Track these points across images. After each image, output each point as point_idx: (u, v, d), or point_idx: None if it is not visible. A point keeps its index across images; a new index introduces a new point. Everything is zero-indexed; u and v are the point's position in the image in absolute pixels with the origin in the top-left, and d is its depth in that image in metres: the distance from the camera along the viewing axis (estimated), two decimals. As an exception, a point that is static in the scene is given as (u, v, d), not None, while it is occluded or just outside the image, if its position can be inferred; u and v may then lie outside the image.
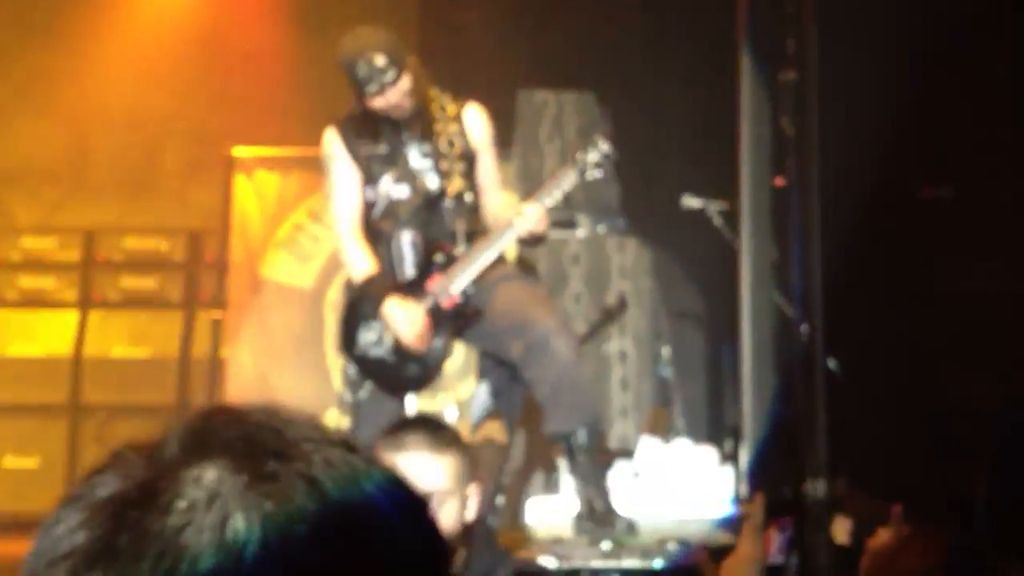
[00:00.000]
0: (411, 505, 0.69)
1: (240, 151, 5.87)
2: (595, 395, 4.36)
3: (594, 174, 3.68)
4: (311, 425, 0.70)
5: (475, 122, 3.80)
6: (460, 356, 5.42)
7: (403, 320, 3.63)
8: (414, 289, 3.68)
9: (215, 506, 0.64)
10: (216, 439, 0.67)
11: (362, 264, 3.72)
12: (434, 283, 3.66)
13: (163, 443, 0.69)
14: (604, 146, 3.63)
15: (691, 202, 4.66)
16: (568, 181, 3.66)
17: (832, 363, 4.17)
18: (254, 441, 0.67)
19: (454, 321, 3.70)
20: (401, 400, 3.85)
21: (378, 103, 3.61)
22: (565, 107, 5.45)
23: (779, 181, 3.87)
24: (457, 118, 3.77)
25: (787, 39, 3.62)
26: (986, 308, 4.36)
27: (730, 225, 4.59)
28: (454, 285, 3.64)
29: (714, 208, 4.64)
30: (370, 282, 3.69)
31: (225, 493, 0.64)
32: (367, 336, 3.72)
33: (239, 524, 0.63)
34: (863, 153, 4.17)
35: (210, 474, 0.65)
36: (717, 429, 5.20)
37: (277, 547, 0.63)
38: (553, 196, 3.66)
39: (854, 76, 3.96)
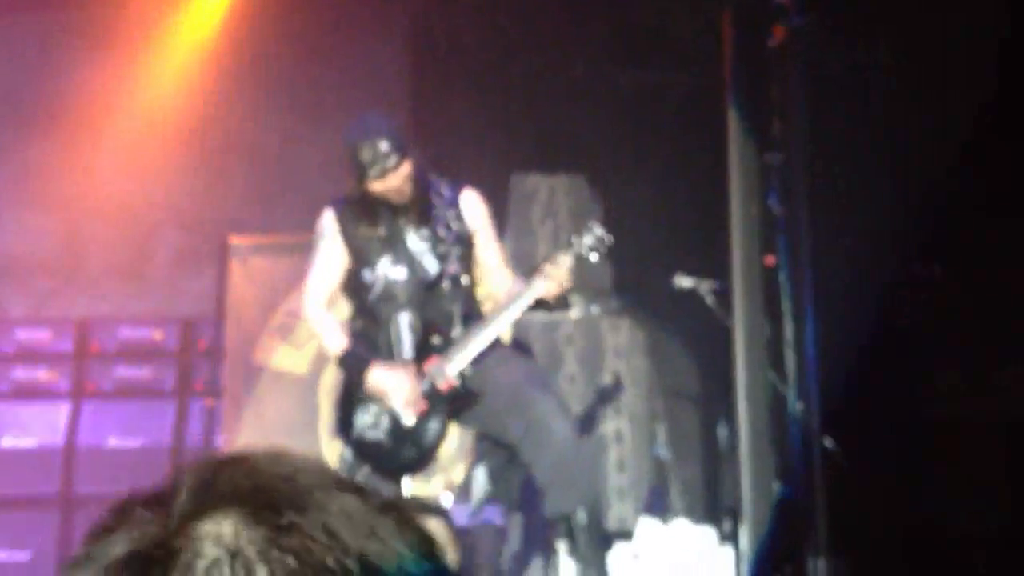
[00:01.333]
0: (427, 554, 0.68)
1: (235, 239, 5.91)
2: (594, 475, 4.35)
3: (588, 257, 3.71)
4: (321, 470, 0.69)
5: (471, 205, 3.85)
6: (454, 440, 5.40)
7: (392, 385, 3.62)
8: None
9: (237, 564, 0.62)
10: (227, 489, 0.66)
11: (336, 339, 3.74)
12: (431, 365, 3.66)
13: (171, 495, 0.67)
14: (598, 230, 3.69)
15: (683, 282, 4.69)
16: (564, 265, 3.69)
17: (828, 442, 4.16)
18: (267, 490, 0.65)
19: (450, 404, 3.70)
20: (397, 484, 3.82)
21: (378, 187, 3.66)
22: (556, 190, 5.52)
23: (769, 260, 3.91)
24: (453, 202, 3.82)
25: (773, 121, 3.70)
26: (982, 388, 4.38)
27: (723, 304, 4.62)
28: (451, 367, 3.65)
29: (706, 287, 4.67)
30: (346, 356, 3.71)
31: (245, 550, 0.63)
32: (363, 419, 3.71)
33: None
34: (854, 230, 4.22)
35: (227, 529, 0.64)
36: (715, 509, 5.16)
37: None
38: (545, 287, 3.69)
39: (842, 155, 4.03)
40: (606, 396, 5.17)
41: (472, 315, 3.78)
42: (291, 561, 0.62)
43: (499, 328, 3.70)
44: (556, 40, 5.74)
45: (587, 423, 5.13)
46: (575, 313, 5.21)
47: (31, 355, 6.22)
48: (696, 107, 5.05)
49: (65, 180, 6.45)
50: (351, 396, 3.75)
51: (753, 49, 3.75)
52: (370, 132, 3.62)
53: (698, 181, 5.04)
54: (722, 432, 5.20)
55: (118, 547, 0.65)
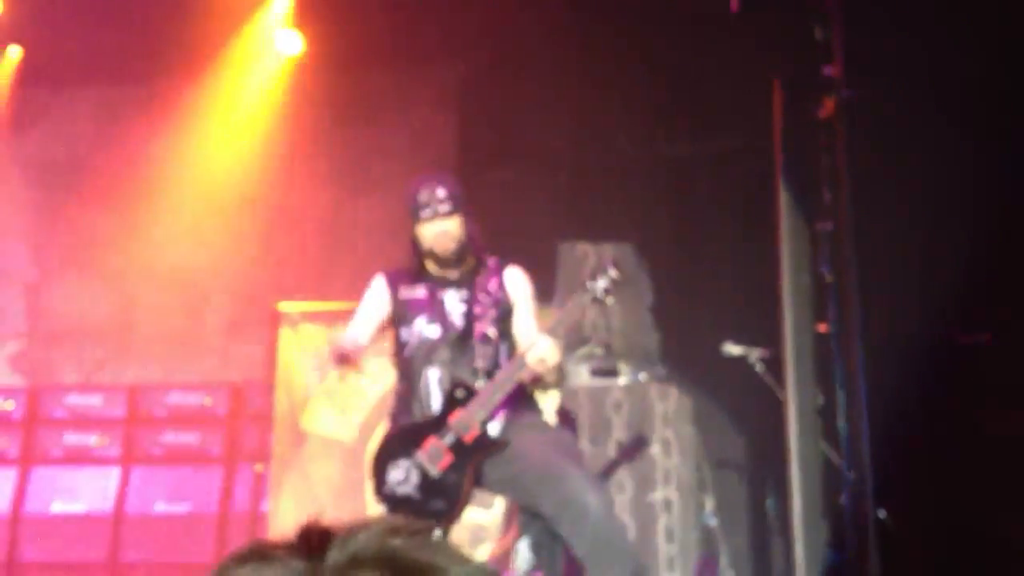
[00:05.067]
0: None
1: (286, 306, 5.99)
2: (634, 545, 4.32)
3: (604, 301, 3.79)
4: (447, 541, 0.75)
5: (514, 279, 3.98)
6: (500, 509, 5.40)
7: (331, 342, 3.82)
8: (438, 425, 3.77)
9: None
10: (373, 552, 0.72)
11: (347, 333, 3.93)
12: (455, 418, 3.74)
13: (319, 548, 0.73)
14: (613, 272, 3.75)
15: (732, 349, 4.70)
16: (578, 308, 3.80)
17: (881, 513, 4.12)
18: (408, 555, 0.72)
19: (476, 454, 3.75)
20: None
21: (426, 231, 3.85)
22: (604, 258, 5.56)
23: (822, 327, 3.91)
24: (497, 273, 3.94)
25: (823, 190, 3.74)
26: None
27: (772, 372, 4.62)
28: (474, 418, 3.71)
29: (755, 355, 4.68)
30: (333, 339, 3.96)
31: None
32: (395, 475, 3.80)
33: None
34: (901, 299, 4.22)
35: None
36: (765, 580, 5.12)
37: None
38: (564, 324, 3.82)
39: (892, 222, 4.05)
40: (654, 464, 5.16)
41: (496, 369, 3.86)
42: None
43: (515, 379, 3.74)
44: (603, 109, 5.83)
45: (636, 492, 5.12)
46: (623, 380, 5.22)
47: (82, 421, 6.31)
48: (743, 175, 5.10)
49: (119, 248, 6.59)
50: (384, 453, 3.85)
51: (802, 120, 3.80)
52: (432, 180, 3.91)
53: (745, 249, 5.07)
54: (771, 502, 5.17)
55: None
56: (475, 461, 3.75)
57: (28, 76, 6.64)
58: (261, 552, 0.74)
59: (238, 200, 6.47)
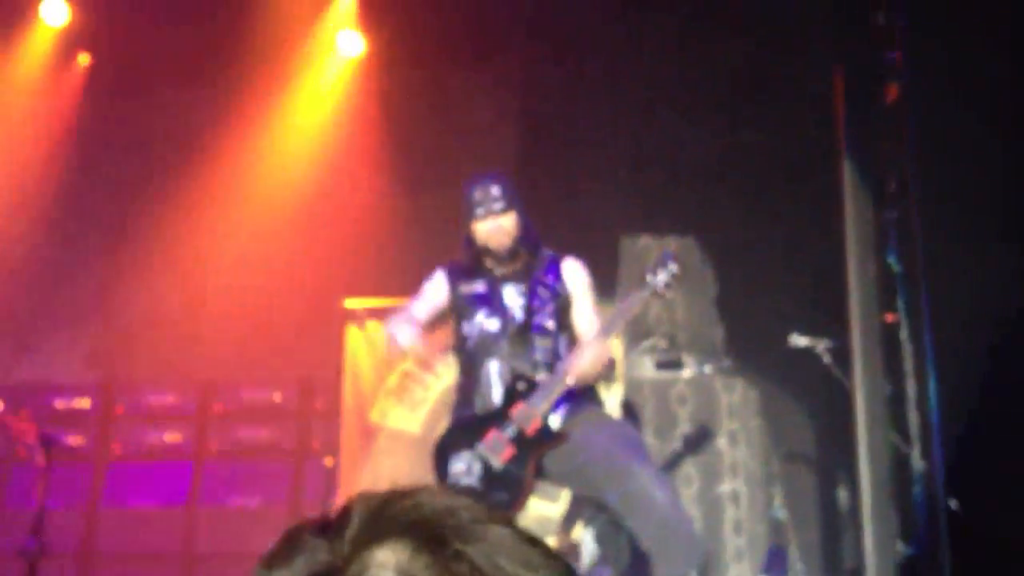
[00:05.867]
0: None
1: (352, 302, 6.06)
2: (700, 537, 4.32)
3: (664, 294, 3.85)
4: (475, 505, 0.74)
5: (571, 272, 4.02)
6: (565, 503, 5.40)
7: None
8: (499, 417, 3.80)
9: None
10: (396, 521, 0.71)
11: (402, 314, 3.96)
12: (517, 410, 3.77)
13: (342, 524, 0.73)
14: (673, 266, 3.80)
15: (799, 341, 4.66)
16: (638, 302, 3.81)
17: (953, 503, 4.06)
18: (433, 522, 0.71)
19: (538, 446, 3.78)
20: None
21: (481, 228, 3.92)
22: (664, 252, 5.53)
23: (889, 316, 3.86)
24: (555, 266, 3.98)
25: (888, 177, 3.70)
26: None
27: (839, 363, 4.57)
28: (536, 409, 3.73)
29: (822, 346, 4.64)
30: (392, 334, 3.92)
31: (419, 574, 0.68)
32: (457, 466, 3.82)
33: None
34: (973, 285, 4.15)
35: (398, 556, 0.69)
36: (835, 571, 5.06)
37: None
38: (623, 318, 3.86)
39: (960, 209, 3.99)
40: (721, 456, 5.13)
41: (556, 361, 3.88)
42: None
43: (576, 372, 3.77)
44: (665, 100, 5.81)
45: (703, 484, 5.10)
46: (688, 372, 5.20)
47: (156, 416, 6.44)
48: (807, 164, 5.05)
49: (190, 247, 6.71)
50: (445, 445, 3.88)
51: (866, 106, 3.75)
52: (486, 178, 3.98)
53: (810, 239, 5.02)
54: (841, 493, 5.11)
55: (293, 572, 0.70)
56: (537, 453, 3.78)
57: (97, 81, 6.79)
58: (291, 541, 0.72)
59: (306, 198, 6.55)
